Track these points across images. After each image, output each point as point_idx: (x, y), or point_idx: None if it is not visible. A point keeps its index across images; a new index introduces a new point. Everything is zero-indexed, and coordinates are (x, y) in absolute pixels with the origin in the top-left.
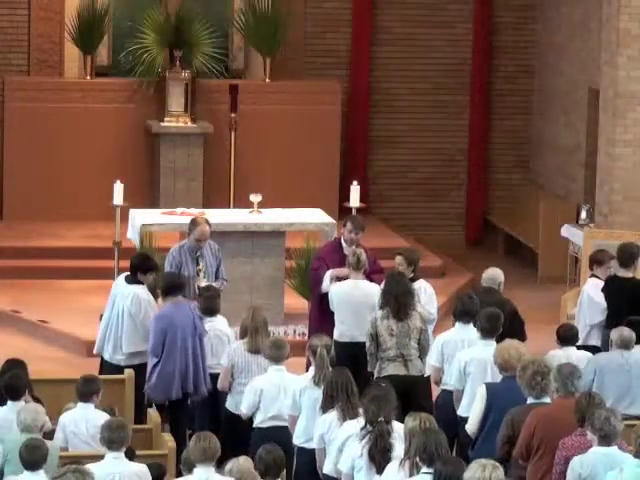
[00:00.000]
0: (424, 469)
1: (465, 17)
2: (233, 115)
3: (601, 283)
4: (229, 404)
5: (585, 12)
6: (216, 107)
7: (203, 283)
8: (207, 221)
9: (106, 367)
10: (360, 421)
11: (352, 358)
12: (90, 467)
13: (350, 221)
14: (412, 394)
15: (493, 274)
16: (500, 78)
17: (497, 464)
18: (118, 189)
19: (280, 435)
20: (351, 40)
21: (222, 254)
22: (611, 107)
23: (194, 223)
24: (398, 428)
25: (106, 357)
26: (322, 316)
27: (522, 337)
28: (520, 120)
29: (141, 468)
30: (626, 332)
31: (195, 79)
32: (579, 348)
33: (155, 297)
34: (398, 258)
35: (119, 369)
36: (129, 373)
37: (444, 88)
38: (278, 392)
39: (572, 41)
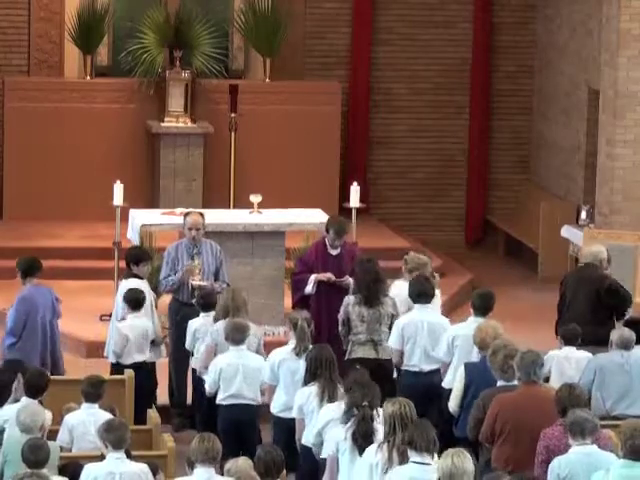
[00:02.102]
0: (414, 458)
1: (465, 17)
2: (233, 115)
3: None
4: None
5: (585, 12)
6: (216, 107)
7: (197, 280)
8: (201, 214)
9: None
10: (340, 405)
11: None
12: (91, 467)
13: (332, 231)
14: (382, 376)
15: (595, 251)
16: (500, 78)
17: (464, 451)
18: (118, 189)
19: (240, 412)
20: (351, 40)
21: (224, 256)
22: (611, 107)
23: (186, 215)
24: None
25: (111, 359)
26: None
27: (620, 312)
28: (520, 120)
29: (142, 468)
30: (626, 332)
31: (195, 79)
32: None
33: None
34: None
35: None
36: (129, 373)
37: (444, 88)
38: (236, 372)
39: (572, 41)
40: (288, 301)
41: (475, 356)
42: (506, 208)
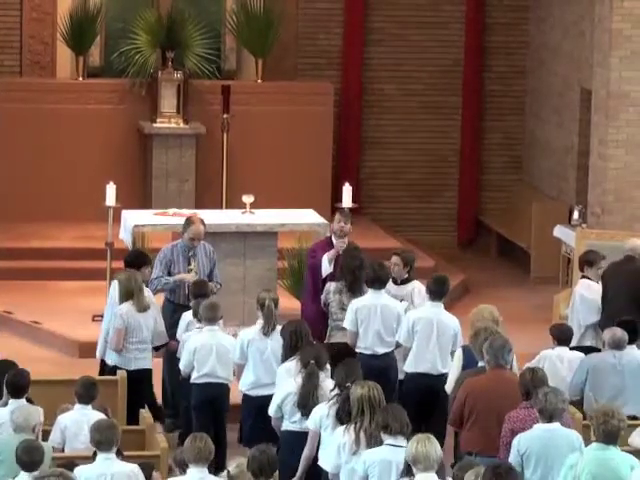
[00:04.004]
0: (389, 440)
1: (457, 18)
2: (225, 116)
3: (593, 284)
4: (119, 362)
5: (578, 13)
6: (208, 108)
7: None
8: (202, 221)
9: (107, 371)
10: (297, 380)
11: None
12: (82, 468)
13: (338, 212)
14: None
15: (635, 244)
16: (492, 79)
17: (431, 437)
18: (110, 190)
19: (213, 391)
20: (343, 41)
21: (217, 256)
22: (603, 108)
23: (189, 222)
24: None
25: (109, 361)
26: (317, 313)
27: None
28: (513, 121)
29: (132, 468)
30: (618, 332)
31: (187, 80)
32: (574, 349)
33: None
34: (395, 258)
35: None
36: (122, 374)
37: (436, 89)
38: (210, 351)
39: (565, 42)
40: (281, 302)
41: (435, 341)
42: (498, 208)
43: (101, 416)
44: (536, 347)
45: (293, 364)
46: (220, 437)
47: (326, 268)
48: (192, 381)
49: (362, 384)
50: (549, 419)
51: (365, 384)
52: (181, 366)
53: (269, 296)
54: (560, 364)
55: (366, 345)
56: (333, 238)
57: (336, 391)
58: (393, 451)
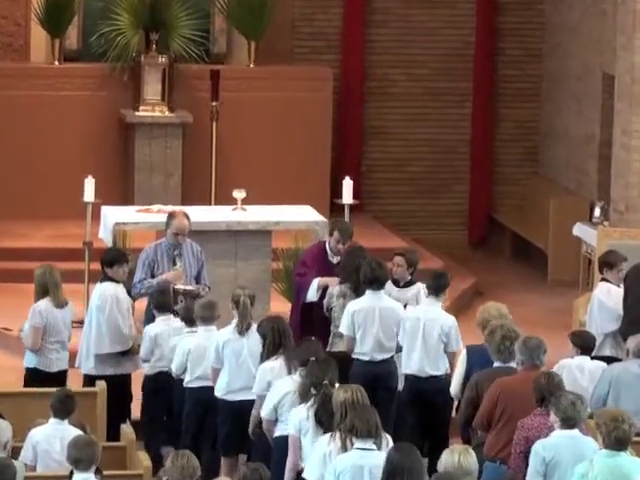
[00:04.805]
0: (357, 444)
1: None
2: (214, 104)
3: (613, 288)
4: (38, 363)
5: None
6: (196, 95)
7: (180, 285)
8: (186, 215)
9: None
10: (294, 378)
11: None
12: None
13: (338, 231)
14: None
15: None
16: (506, 63)
17: (469, 449)
18: (89, 185)
19: (207, 395)
20: (343, 22)
21: (205, 257)
22: (628, 94)
23: (171, 216)
24: None
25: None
26: (303, 326)
27: None
28: (528, 108)
29: None
30: None
31: (173, 64)
32: (593, 359)
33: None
34: (398, 258)
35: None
36: (101, 385)
37: (444, 74)
38: (205, 352)
39: (584, 22)
40: (275, 306)
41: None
42: (512, 204)
43: (76, 432)
44: (554, 356)
45: (277, 363)
46: (214, 444)
47: (312, 295)
48: (185, 385)
49: (345, 388)
50: (572, 427)
51: (348, 387)
52: (173, 367)
53: (244, 292)
54: (580, 375)
55: (364, 351)
56: (328, 249)
57: (312, 391)
58: (363, 455)
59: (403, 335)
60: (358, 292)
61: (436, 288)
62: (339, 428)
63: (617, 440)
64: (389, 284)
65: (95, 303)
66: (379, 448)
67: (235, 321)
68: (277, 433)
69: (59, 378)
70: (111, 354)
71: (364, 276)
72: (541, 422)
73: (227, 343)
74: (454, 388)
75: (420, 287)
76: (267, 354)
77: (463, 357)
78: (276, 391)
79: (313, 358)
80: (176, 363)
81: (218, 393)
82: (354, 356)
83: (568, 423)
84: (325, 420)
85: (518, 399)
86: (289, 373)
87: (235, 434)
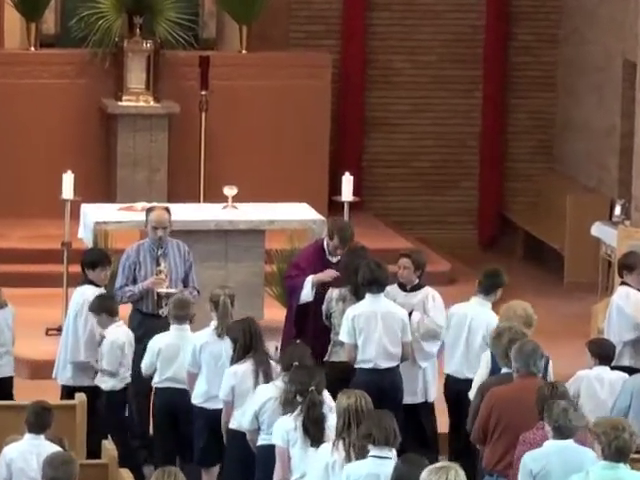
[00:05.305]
0: (374, 452)
1: None
2: (204, 93)
3: (632, 292)
4: None
5: None
6: (184, 83)
7: (164, 287)
8: (166, 208)
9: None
10: (277, 384)
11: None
12: None
13: (337, 234)
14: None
15: None
16: (518, 49)
17: (458, 467)
18: (68, 181)
19: (175, 398)
20: (343, 4)
21: (193, 258)
22: None
23: (149, 210)
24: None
25: (60, 380)
26: (299, 335)
27: None
28: (542, 98)
29: None
30: None
31: (159, 50)
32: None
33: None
34: (404, 260)
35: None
36: (80, 398)
37: (452, 61)
38: (177, 352)
39: (604, 5)
40: (269, 312)
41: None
42: (526, 202)
43: (54, 448)
44: (571, 367)
45: (242, 367)
46: (184, 451)
47: (307, 294)
48: (153, 384)
49: (349, 393)
50: (565, 437)
51: (352, 393)
52: (142, 366)
53: (224, 292)
54: (600, 386)
55: (367, 358)
56: (326, 249)
57: (298, 399)
58: (379, 463)
59: (447, 330)
60: (359, 295)
61: (488, 286)
62: (342, 437)
63: (617, 450)
64: (395, 288)
65: (73, 308)
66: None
67: (214, 323)
68: (260, 442)
69: (3, 386)
70: (90, 364)
71: (362, 278)
72: (543, 436)
73: (205, 346)
74: (472, 392)
75: (429, 292)
76: (237, 357)
77: (487, 360)
78: (257, 398)
79: (297, 363)
80: (145, 362)
81: (196, 400)
82: (356, 365)
83: (560, 432)
84: (312, 429)
85: (514, 409)
86: (256, 377)
87: (213, 444)
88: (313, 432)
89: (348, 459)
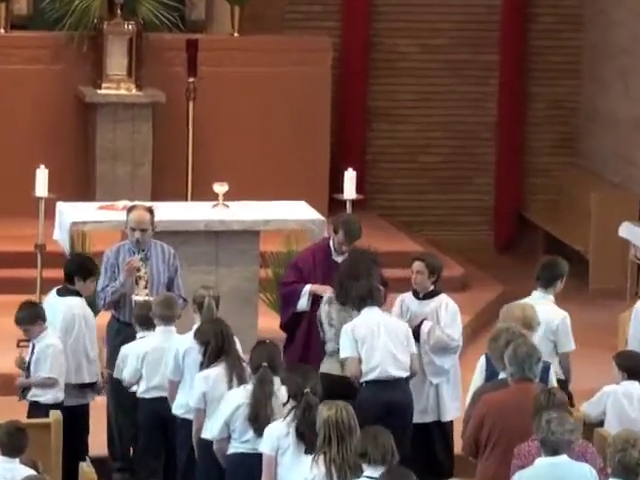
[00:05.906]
0: (368, 472)
1: None
2: (191, 80)
3: None
4: None
5: None
6: (169, 70)
7: (142, 296)
8: (149, 208)
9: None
10: (247, 388)
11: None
12: None
13: (342, 227)
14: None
15: None
16: (539, 32)
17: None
18: (41, 176)
19: (164, 408)
20: None
21: (180, 262)
22: None
23: (129, 209)
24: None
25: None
26: (288, 349)
27: None
28: (565, 86)
29: None
30: None
31: (142, 33)
32: None
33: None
34: (417, 264)
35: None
36: (55, 416)
37: (465, 45)
38: (163, 356)
39: None
40: (264, 321)
41: None
42: (546, 200)
43: (29, 471)
44: (596, 382)
45: (213, 372)
46: (171, 466)
47: (303, 303)
48: (139, 395)
49: (329, 404)
50: (553, 452)
51: (333, 404)
52: (125, 374)
53: (209, 293)
54: (628, 403)
55: (373, 365)
56: (331, 244)
57: (291, 404)
58: None
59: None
60: (346, 304)
61: (547, 279)
62: (323, 451)
63: (623, 466)
64: (409, 296)
65: (60, 324)
66: None
67: (197, 326)
68: (230, 450)
69: None
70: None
71: (357, 291)
72: (538, 449)
73: (188, 352)
74: (467, 400)
75: (443, 299)
76: (208, 361)
77: (482, 365)
78: (227, 405)
79: (265, 364)
80: (129, 370)
81: (178, 411)
82: (362, 379)
83: (546, 447)
84: (308, 434)
85: (508, 417)
86: (229, 382)
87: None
88: (309, 437)
89: (329, 476)
